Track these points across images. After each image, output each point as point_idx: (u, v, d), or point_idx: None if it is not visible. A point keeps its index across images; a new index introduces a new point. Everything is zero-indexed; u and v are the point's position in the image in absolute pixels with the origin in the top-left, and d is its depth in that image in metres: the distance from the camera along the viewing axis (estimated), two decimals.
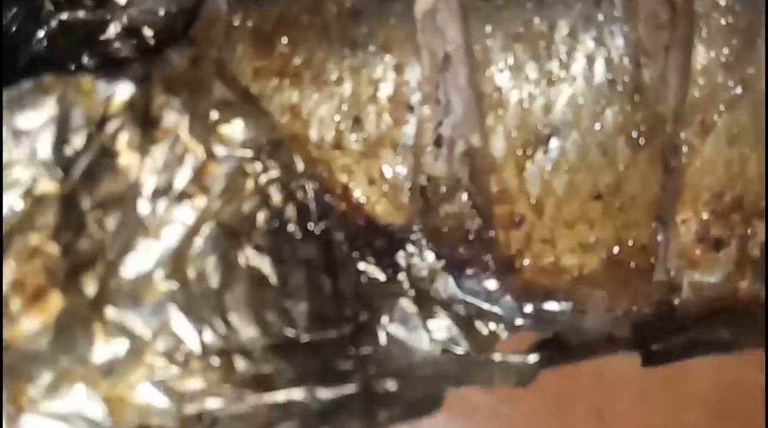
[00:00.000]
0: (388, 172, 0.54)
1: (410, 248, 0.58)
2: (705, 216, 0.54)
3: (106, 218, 0.45)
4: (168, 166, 0.47)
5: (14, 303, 0.44)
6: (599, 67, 0.51)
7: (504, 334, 0.59)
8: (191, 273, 0.47)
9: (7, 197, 0.43)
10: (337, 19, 0.53)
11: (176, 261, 0.46)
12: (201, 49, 0.48)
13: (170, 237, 0.46)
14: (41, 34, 0.54)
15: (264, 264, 0.50)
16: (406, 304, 0.55)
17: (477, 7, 0.51)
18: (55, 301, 0.45)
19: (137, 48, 0.53)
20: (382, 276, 0.56)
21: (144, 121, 0.46)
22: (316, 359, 0.51)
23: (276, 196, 0.51)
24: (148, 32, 0.54)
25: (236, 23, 0.54)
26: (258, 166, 0.50)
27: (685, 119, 0.52)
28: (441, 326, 0.56)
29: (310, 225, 0.52)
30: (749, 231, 0.54)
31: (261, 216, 0.50)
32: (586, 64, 0.51)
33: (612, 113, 0.52)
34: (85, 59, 0.52)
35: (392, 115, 0.53)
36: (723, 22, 0.50)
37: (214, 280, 0.48)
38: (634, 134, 0.52)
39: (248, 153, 0.50)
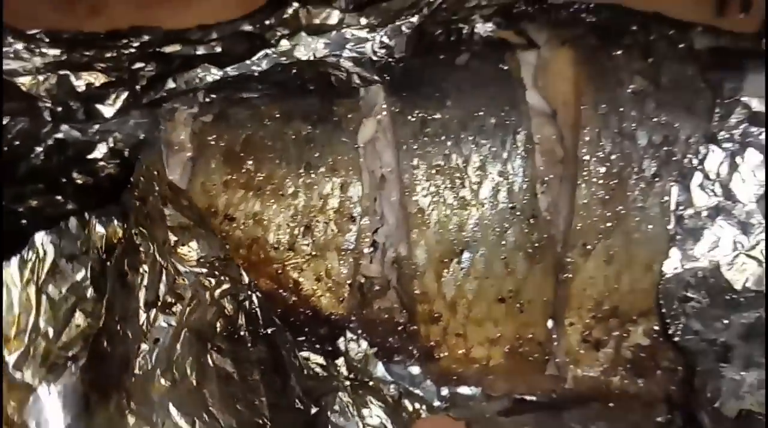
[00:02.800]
0: (332, 272, 0.64)
1: (349, 335, 0.68)
2: (588, 321, 0.64)
3: (127, 329, 0.54)
4: (152, 281, 0.56)
5: None
6: (503, 195, 0.62)
7: (424, 414, 0.69)
8: (177, 375, 0.56)
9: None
10: (294, 144, 0.64)
11: (167, 362, 0.55)
12: (142, 191, 0.58)
13: (162, 339, 0.56)
14: (39, 149, 0.65)
15: (227, 364, 0.59)
16: (343, 396, 0.65)
17: (407, 142, 0.62)
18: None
19: (119, 166, 0.63)
20: (322, 361, 0.66)
21: (132, 247, 0.55)
22: None
23: (229, 306, 0.60)
24: (127, 153, 0.65)
25: (211, 142, 0.64)
26: (212, 280, 0.60)
27: (570, 242, 0.62)
28: (372, 414, 0.65)
29: (260, 331, 0.61)
30: (624, 334, 0.65)
31: (219, 324, 0.60)
32: (492, 192, 0.62)
33: (513, 233, 0.62)
34: (74, 174, 0.63)
35: (337, 225, 0.64)
36: (600, 167, 0.61)
37: (193, 380, 0.56)
38: (530, 251, 0.63)
39: (203, 270, 0.59)
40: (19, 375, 0.47)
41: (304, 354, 0.66)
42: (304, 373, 0.65)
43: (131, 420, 0.52)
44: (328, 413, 0.64)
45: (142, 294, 0.55)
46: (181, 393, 0.55)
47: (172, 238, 0.59)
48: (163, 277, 0.56)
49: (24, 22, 0.66)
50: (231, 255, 0.63)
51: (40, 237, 0.49)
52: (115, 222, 0.53)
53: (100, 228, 0.52)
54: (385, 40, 0.61)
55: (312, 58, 0.61)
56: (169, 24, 0.69)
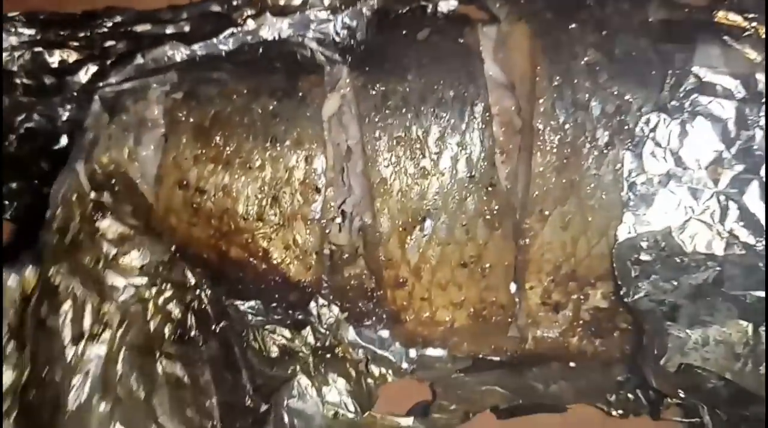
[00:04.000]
0: (299, 240, 0.67)
1: (321, 301, 0.71)
2: (547, 284, 0.67)
3: (55, 370, 0.56)
4: (76, 316, 0.58)
5: None
6: (462, 164, 0.64)
7: (390, 378, 0.72)
8: (121, 392, 0.58)
9: None
10: (261, 119, 0.66)
11: (105, 386, 0.57)
12: (61, 222, 0.60)
13: (94, 369, 0.58)
14: (12, 137, 0.68)
15: (177, 369, 0.61)
16: (302, 379, 0.68)
17: (369, 116, 0.65)
18: None
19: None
20: (288, 334, 0.69)
21: (49, 290, 0.58)
22: None
23: (176, 311, 0.63)
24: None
25: (182, 118, 0.67)
26: (153, 289, 0.62)
27: (528, 209, 0.65)
28: (333, 391, 0.69)
29: (211, 328, 0.64)
30: (582, 297, 0.67)
31: (168, 330, 0.62)
32: (451, 162, 0.64)
33: (472, 201, 0.65)
34: (42, 163, 0.66)
35: (303, 195, 0.66)
36: (555, 137, 0.64)
37: (141, 392, 0.59)
38: (489, 218, 0.65)
39: (144, 279, 0.62)
40: None
41: (270, 327, 0.70)
42: (263, 355, 0.69)
43: None
44: (284, 401, 0.67)
45: (67, 332, 0.57)
46: (127, 410, 0.57)
47: (111, 251, 0.62)
48: (87, 309, 0.59)
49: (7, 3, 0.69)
50: (202, 225, 0.66)
51: None
52: (29, 270, 0.56)
53: (12, 282, 0.56)
54: (347, 21, 0.64)
55: (277, 38, 0.63)
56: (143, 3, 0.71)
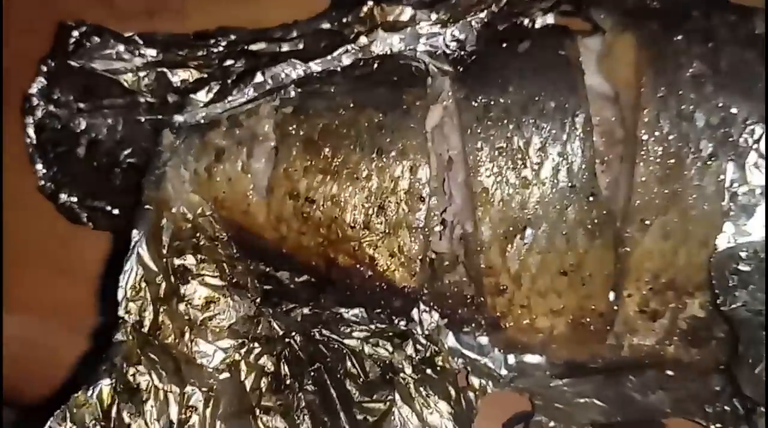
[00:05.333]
0: (404, 247, 0.69)
1: (422, 306, 0.73)
2: (645, 292, 0.68)
3: None
4: (161, 411, 0.60)
5: None
6: (562, 174, 0.66)
7: (490, 388, 0.73)
8: None
9: None
10: (367, 131, 0.69)
11: None
12: (137, 314, 0.62)
13: None
14: (118, 170, 0.74)
15: (277, 422, 0.64)
16: (402, 409, 0.69)
17: (471, 127, 0.66)
18: None
19: None
20: (390, 347, 0.72)
21: (130, 393, 0.59)
22: None
23: (269, 364, 0.65)
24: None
25: (292, 131, 0.70)
26: (242, 351, 0.65)
27: (629, 218, 0.66)
28: (434, 414, 0.70)
29: (307, 371, 0.66)
30: (680, 306, 0.68)
31: (264, 384, 0.65)
32: (552, 172, 0.66)
33: (573, 210, 0.66)
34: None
35: (408, 204, 0.69)
36: (659, 147, 0.64)
37: None
38: (590, 227, 0.66)
39: (232, 342, 0.65)
40: None
41: (373, 341, 0.72)
42: (362, 381, 0.70)
43: None
44: None
45: None
46: None
47: (200, 317, 0.65)
48: (171, 401, 0.60)
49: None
50: (312, 234, 0.69)
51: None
52: (103, 385, 0.57)
53: (92, 401, 0.57)
54: (456, 33, 0.66)
55: (389, 52, 0.66)
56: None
